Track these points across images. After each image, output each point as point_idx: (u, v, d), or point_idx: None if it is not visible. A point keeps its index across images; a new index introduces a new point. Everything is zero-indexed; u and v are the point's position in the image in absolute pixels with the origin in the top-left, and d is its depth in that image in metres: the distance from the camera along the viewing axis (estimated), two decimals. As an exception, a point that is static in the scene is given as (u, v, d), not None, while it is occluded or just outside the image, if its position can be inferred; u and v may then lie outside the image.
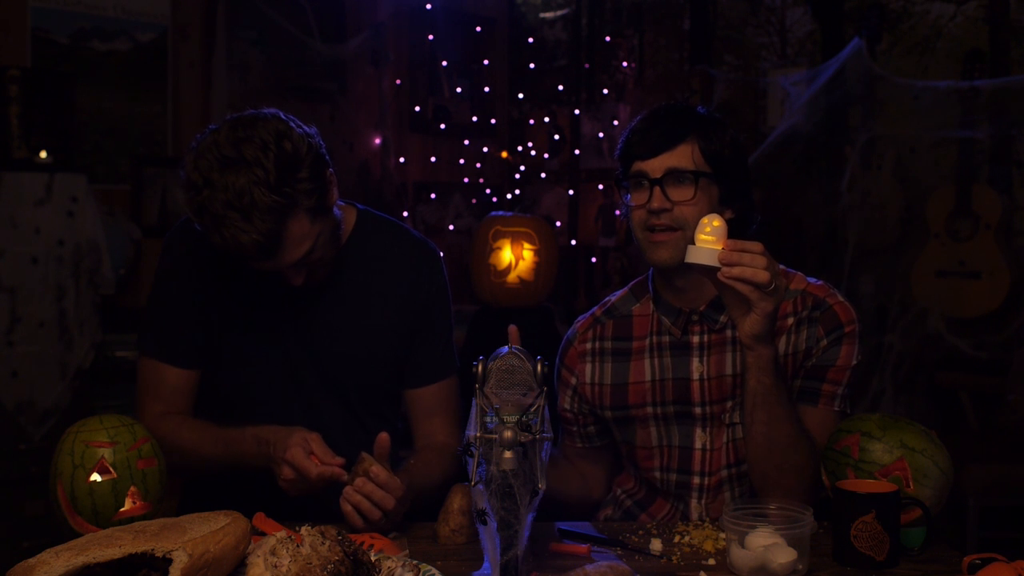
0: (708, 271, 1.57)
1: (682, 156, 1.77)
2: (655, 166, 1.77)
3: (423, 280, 1.95)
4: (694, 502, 1.86)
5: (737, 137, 1.84)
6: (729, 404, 1.83)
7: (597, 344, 1.94)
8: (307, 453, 1.67)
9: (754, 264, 1.54)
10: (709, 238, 1.56)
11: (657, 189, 1.76)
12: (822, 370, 1.80)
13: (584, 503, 1.97)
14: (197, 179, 1.65)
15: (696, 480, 1.86)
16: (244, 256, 1.69)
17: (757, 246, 1.55)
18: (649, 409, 1.87)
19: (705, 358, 1.84)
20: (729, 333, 1.84)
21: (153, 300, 1.93)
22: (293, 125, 1.71)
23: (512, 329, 1.72)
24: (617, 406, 1.90)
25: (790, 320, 1.81)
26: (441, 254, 2.03)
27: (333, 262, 1.86)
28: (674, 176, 1.77)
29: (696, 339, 1.85)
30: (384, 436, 1.69)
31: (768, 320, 1.59)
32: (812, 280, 1.86)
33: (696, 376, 1.84)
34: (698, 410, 1.84)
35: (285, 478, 1.68)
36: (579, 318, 2.00)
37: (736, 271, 1.54)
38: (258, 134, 1.66)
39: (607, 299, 2.00)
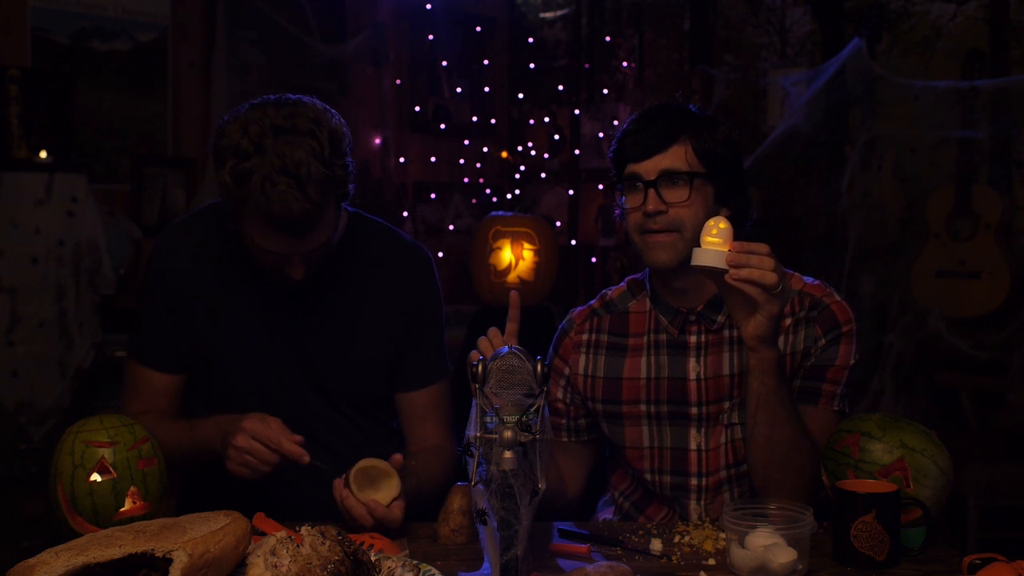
0: (714, 273, 1.56)
1: (675, 157, 1.77)
2: (649, 168, 1.77)
3: (414, 284, 1.94)
4: (692, 503, 1.86)
5: (730, 134, 1.83)
6: (726, 404, 1.83)
7: (593, 336, 1.93)
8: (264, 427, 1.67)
9: (762, 266, 1.53)
10: (715, 240, 1.55)
11: (652, 191, 1.76)
12: (821, 370, 1.80)
13: (556, 501, 1.92)
14: (246, 145, 1.62)
15: (694, 481, 1.85)
16: (285, 225, 1.65)
17: (764, 247, 1.55)
18: (642, 407, 1.87)
19: (702, 358, 1.84)
20: (726, 333, 1.84)
21: (139, 305, 1.93)
22: (333, 111, 1.72)
23: (513, 295, 1.73)
24: (609, 400, 1.89)
25: (788, 320, 1.81)
26: (432, 256, 2.01)
27: (322, 263, 1.85)
28: (668, 177, 1.76)
29: (693, 339, 1.85)
30: (398, 457, 1.69)
31: (773, 322, 1.59)
32: (809, 280, 1.86)
33: (693, 376, 1.84)
34: (694, 410, 1.84)
35: (236, 445, 1.65)
36: (575, 309, 1.99)
37: (744, 273, 1.53)
38: (308, 110, 1.66)
39: (604, 292, 1.99)
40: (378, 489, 1.64)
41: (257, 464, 1.66)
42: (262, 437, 1.65)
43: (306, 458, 1.65)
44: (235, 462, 1.67)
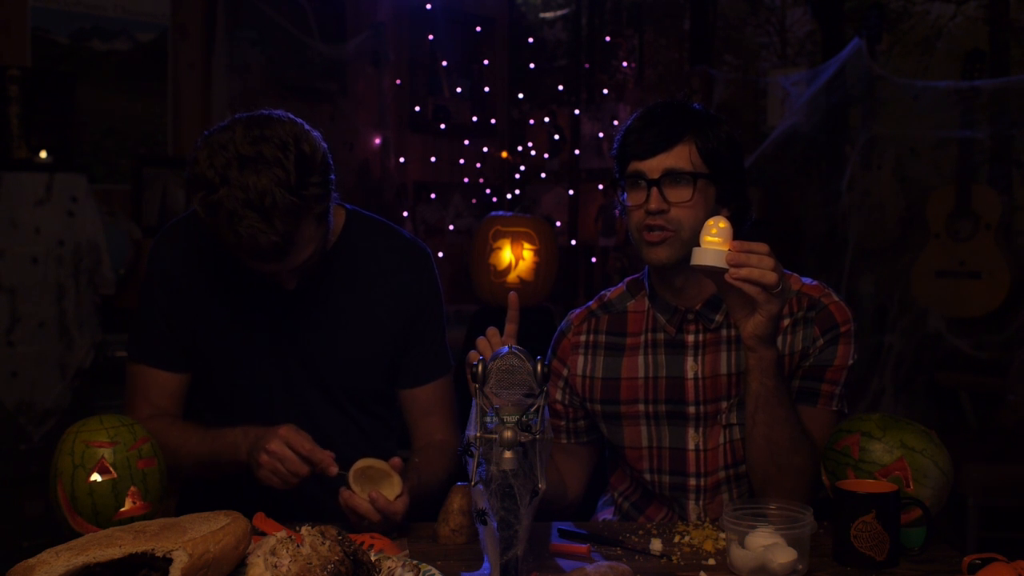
0: (714, 273, 1.56)
1: (679, 156, 1.76)
2: (652, 166, 1.77)
3: (414, 280, 1.94)
4: (691, 504, 1.86)
5: (733, 134, 1.82)
6: (724, 404, 1.83)
7: (591, 337, 1.93)
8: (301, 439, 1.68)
9: (762, 265, 1.53)
10: (715, 240, 1.55)
11: (655, 190, 1.76)
12: (820, 370, 1.80)
13: (557, 502, 1.92)
14: (212, 177, 1.61)
15: (692, 482, 1.85)
16: (256, 256, 1.67)
17: (763, 247, 1.55)
18: (640, 407, 1.87)
19: (700, 357, 1.84)
20: (724, 332, 1.84)
21: (140, 304, 1.92)
22: (307, 127, 1.70)
23: (512, 296, 1.73)
24: (607, 400, 1.89)
25: (786, 321, 1.81)
26: (433, 253, 2.02)
27: (319, 264, 1.85)
28: (672, 177, 1.76)
29: (691, 338, 1.85)
30: (397, 460, 1.70)
31: (773, 322, 1.59)
32: (807, 280, 1.86)
33: (691, 375, 1.84)
34: (691, 409, 1.84)
35: (270, 450, 1.65)
36: (573, 311, 1.99)
37: (744, 272, 1.53)
38: (276, 134, 1.63)
39: (603, 293, 1.99)
40: (380, 489, 1.64)
41: (286, 474, 1.66)
42: (295, 445, 1.65)
43: (334, 469, 1.66)
44: (266, 468, 1.67)
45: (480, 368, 1.41)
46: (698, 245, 1.57)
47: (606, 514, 2.01)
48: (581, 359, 1.93)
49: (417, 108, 5.46)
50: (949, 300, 4.08)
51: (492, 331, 1.70)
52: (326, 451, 1.67)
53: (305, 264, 1.74)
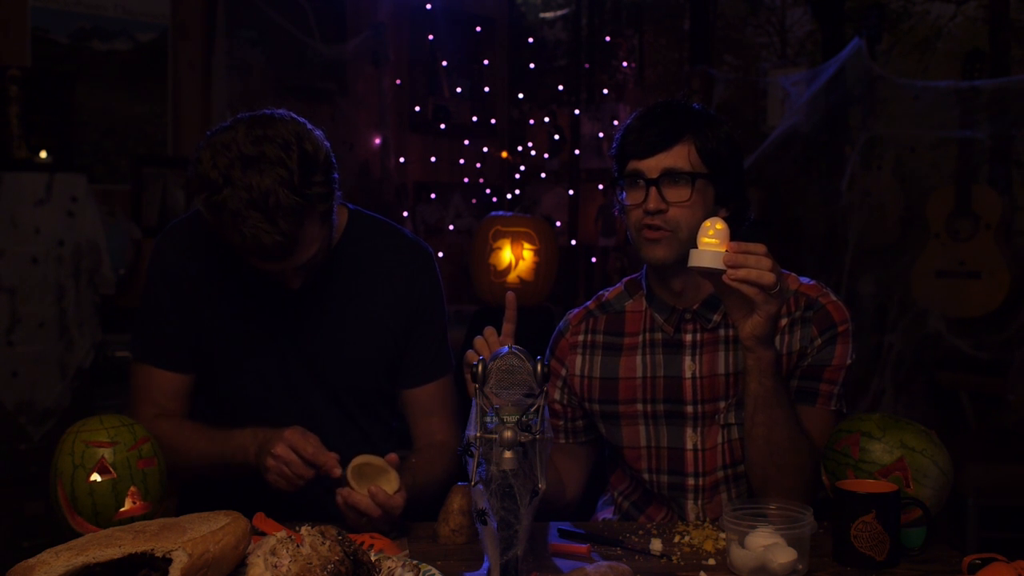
0: (712, 274, 1.56)
1: (678, 156, 1.76)
2: (651, 166, 1.77)
3: (416, 280, 1.95)
4: (690, 503, 1.86)
5: (732, 134, 1.82)
6: (722, 404, 1.83)
7: (589, 337, 1.93)
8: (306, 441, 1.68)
9: (759, 266, 1.53)
10: (712, 241, 1.55)
11: (653, 190, 1.76)
12: (818, 370, 1.80)
13: (556, 502, 1.92)
14: (216, 177, 1.61)
15: (691, 481, 1.85)
16: (260, 255, 1.67)
17: (761, 247, 1.55)
18: (639, 407, 1.87)
19: (698, 357, 1.84)
20: (722, 332, 1.84)
21: (143, 305, 1.93)
22: (310, 127, 1.70)
23: (510, 296, 1.73)
24: (606, 400, 1.90)
25: (783, 321, 1.81)
26: (435, 253, 2.02)
27: (323, 263, 1.85)
28: (670, 177, 1.76)
29: (689, 337, 1.85)
30: (394, 456, 1.70)
31: (771, 322, 1.59)
32: (804, 280, 1.86)
33: (688, 375, 1.84)
34: (689, 409, 1.84)
35: (275, 453, 1.66)
36: (571, 311, 1.99)
37: (742, 273, 1.53)
38: (279, 133, 1.64)
39: (601, 293, 1.99)
40: (377, 485, 1.64)
41: (292, 477, 1.67)
42: (300, 448, 1.66)
43: (337, 471, 1.66)
44: (273, 472, 1.68)
45: (480, 368, 1.41)
46: (695, 246, 1.57)
47: (606, 514, 2.02)
48: (579, 359, 1.93)
49: (417, 108, 5.46)
50: (949, 300, 4.07)
51: (490, 331, 1.70)
52: (330, 453, 1.68)
53: (310, 263, 1.74)
